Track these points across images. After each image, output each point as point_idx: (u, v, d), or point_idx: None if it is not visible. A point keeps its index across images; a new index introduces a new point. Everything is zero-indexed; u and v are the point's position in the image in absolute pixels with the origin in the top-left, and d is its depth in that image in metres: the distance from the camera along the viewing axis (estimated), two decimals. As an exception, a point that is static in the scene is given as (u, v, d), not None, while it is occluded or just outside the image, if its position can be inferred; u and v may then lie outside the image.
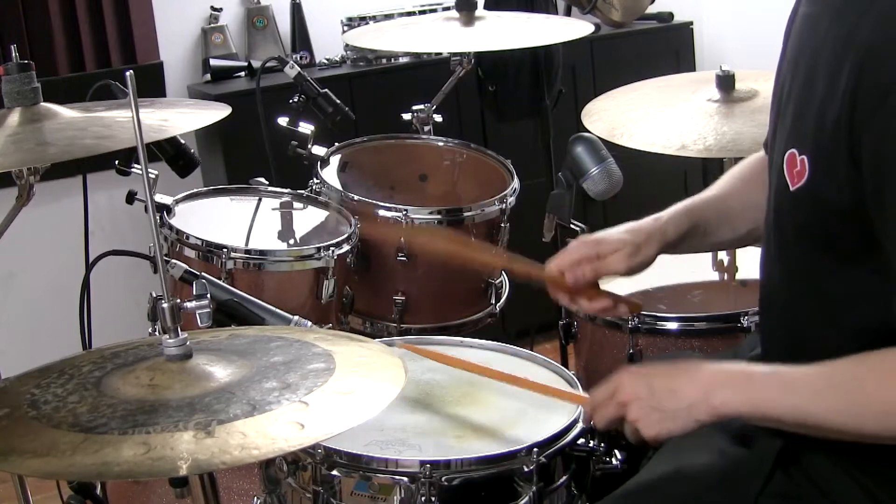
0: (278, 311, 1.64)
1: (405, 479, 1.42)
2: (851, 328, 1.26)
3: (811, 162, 1.27)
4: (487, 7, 3.16)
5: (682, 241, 1.59)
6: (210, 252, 2.02)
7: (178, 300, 1.23)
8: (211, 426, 1.04)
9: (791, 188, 1.30)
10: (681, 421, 1.31)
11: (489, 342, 1.82)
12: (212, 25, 3.57)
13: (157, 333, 1.27)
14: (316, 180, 2.35)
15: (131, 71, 1.21)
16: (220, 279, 1.90)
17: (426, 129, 2.62)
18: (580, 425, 1.52)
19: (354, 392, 1.17)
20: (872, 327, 1.24)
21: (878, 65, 1.17)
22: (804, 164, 1.28)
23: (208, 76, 3.47)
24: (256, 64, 3.31)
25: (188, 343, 1.22)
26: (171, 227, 2.06)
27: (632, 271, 1.57)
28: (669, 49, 3.88)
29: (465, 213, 2.32)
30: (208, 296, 1.30)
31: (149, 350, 1.27)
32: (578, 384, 1.63)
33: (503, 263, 2.31)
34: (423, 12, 3.48)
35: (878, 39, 1.18)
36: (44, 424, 1.08)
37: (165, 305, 1.20)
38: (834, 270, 1.29)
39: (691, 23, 3.93)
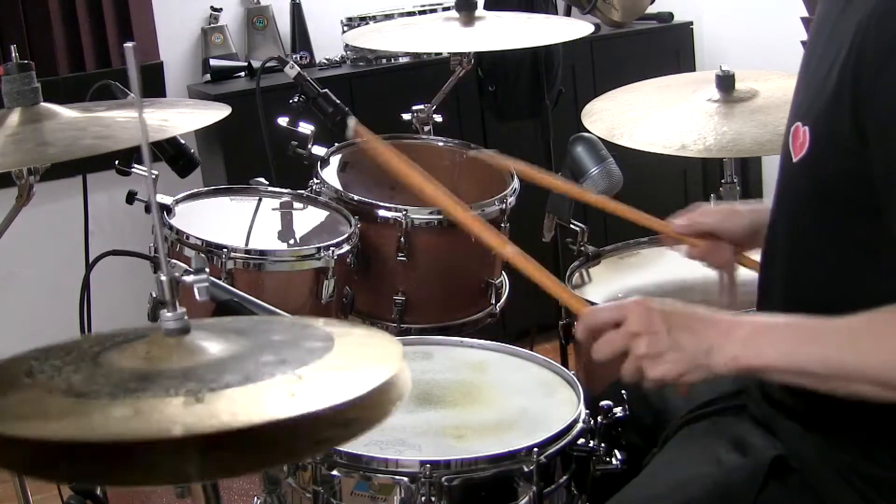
0: (279, 311, 1.64)
1: (405, 479, 1.42)
2: (852, 302, 1.22)
3: (812, 132, 1.27)
4: (487, 7, 3.16)
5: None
6: (210, 252, 2.02)
7: (177, 274, 1.21)
8: (201, 393, 1.04)
9: (794, 159, 1.30)
10: (697, 368, 1.22)
11: (489, 342, 1.82)
12: (212, 25, 3.57)
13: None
14: (316, 180, 2.35)
15: (132, 42, 1.19)
16: (220, 279, 1.90)
17: (426, 129, 2.61)
18: (580, 425, 1.52)
19: (350, 368, 1.15)
20: (874, 301, 1.20)
21: (878, 31, 1.17)
22: (806, 134, 1.28)
23: (208, 76, 3.48)
24: (256, 64, 3.31)
25: (186, 318, 1.22)
26: (171, 227, 2.06)
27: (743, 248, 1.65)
28: (669, 49, 3.88)
29: (466, 213, 2.32)
30: (206, 270, 1.29)
31: (151, 331, 1.27)
32: (578, 382, 1.63)
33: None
34: (423, 12, 3.49)
35: (879, 7, 1.18)
36: (37, 391, 1.08)
37: (164, 278, 1.19)
38: (836, 243, 1.29)
39: (691, 23, 3.93)
